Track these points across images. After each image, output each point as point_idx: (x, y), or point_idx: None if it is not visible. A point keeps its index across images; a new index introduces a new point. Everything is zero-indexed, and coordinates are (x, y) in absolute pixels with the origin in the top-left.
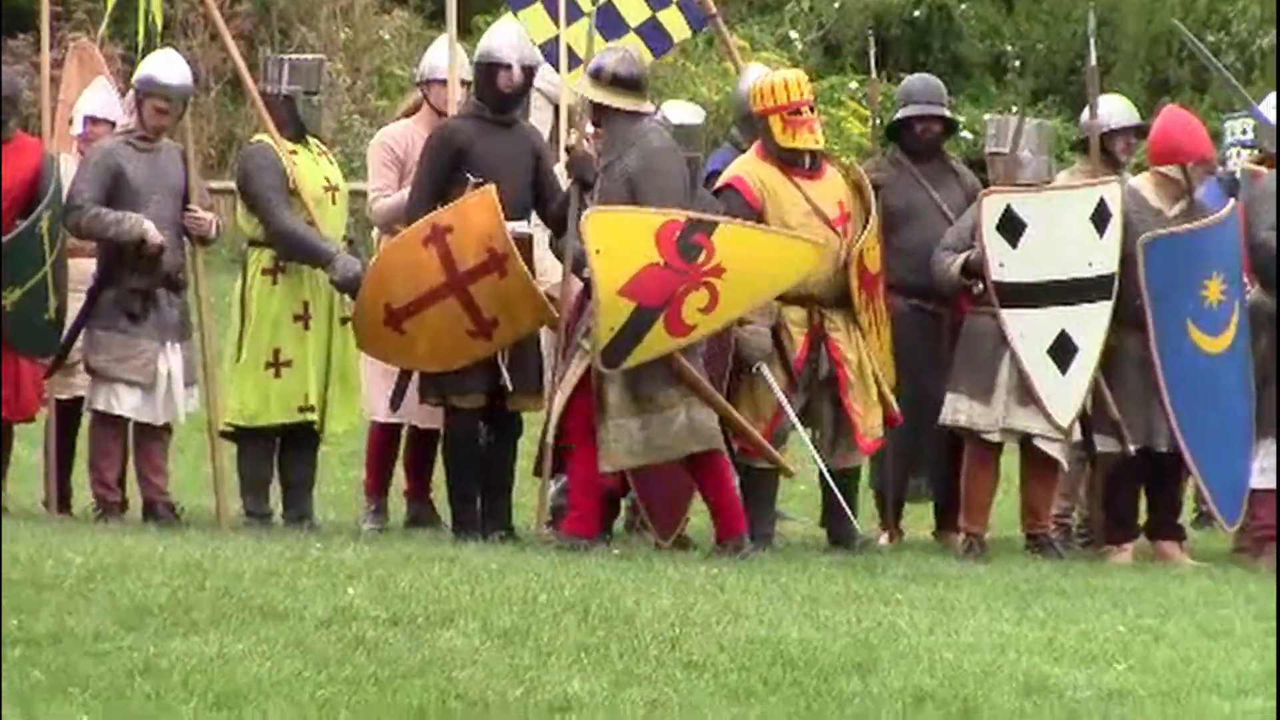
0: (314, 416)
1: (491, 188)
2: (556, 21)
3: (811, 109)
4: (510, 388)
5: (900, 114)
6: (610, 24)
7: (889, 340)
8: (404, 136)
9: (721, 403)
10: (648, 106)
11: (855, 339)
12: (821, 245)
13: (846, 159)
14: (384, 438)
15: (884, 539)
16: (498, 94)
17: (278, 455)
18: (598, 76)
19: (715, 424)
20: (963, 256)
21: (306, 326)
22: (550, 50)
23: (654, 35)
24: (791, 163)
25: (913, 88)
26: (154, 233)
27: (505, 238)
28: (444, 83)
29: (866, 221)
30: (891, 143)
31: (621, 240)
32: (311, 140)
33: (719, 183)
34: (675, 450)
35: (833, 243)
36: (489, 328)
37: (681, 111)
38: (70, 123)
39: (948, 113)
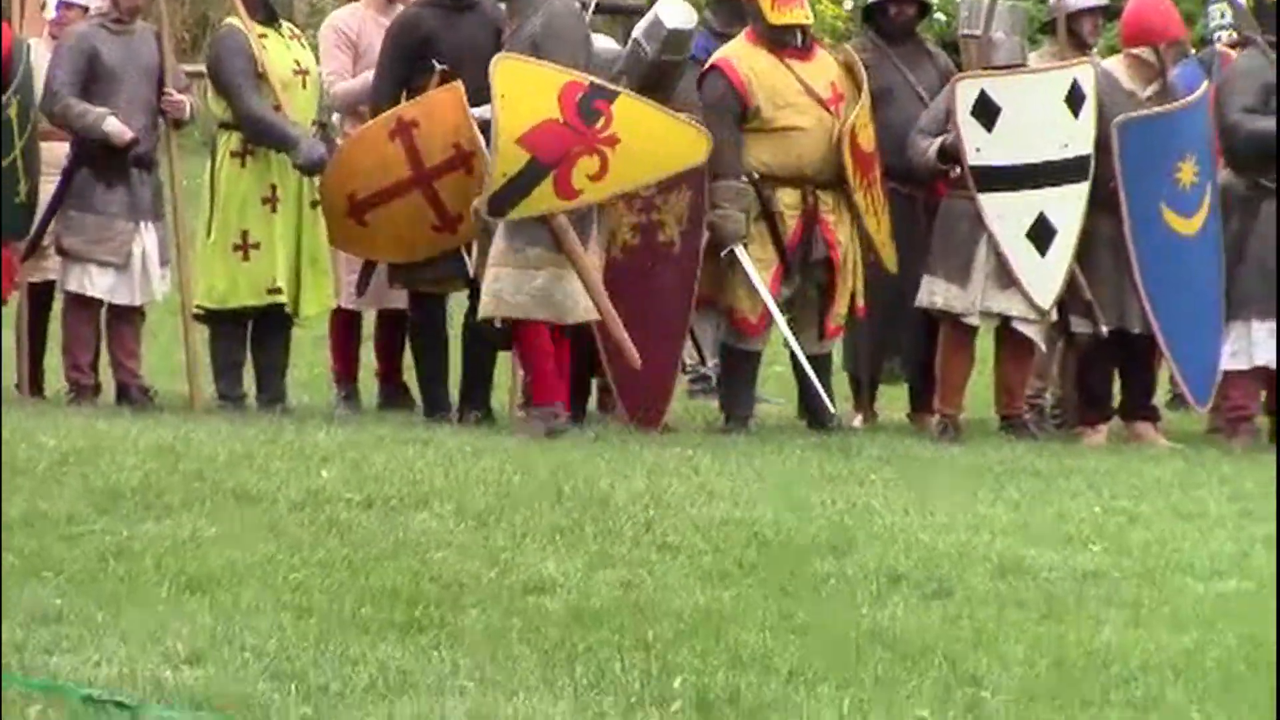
0: (283, 299)
1: (459, 84)
2: None
3: None
4: (472, 275)
5: None
6: None
7: (888, 223)
8: (354, 19)
9: (590, 275)
10: None
11: (847, 221)
12: (709, 137)
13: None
14: (347, 323)
15: (858, 421)
16: None
17: (250, 338)
18: None
19: (571, 301)
20: (938, 141)
21: (274, 209)
22: None
23: None
24: (782, 44)
25: None
26: (117, 129)
27: (473, 135)
28: None
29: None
30: (866, 26)
31: (527, 90)
32: (284, 24)
33: (705, 67)
34: (522, 310)
35: (825, 122)
36: (454, 223)
37: (675, 13)
38: (42, 7)
39: None
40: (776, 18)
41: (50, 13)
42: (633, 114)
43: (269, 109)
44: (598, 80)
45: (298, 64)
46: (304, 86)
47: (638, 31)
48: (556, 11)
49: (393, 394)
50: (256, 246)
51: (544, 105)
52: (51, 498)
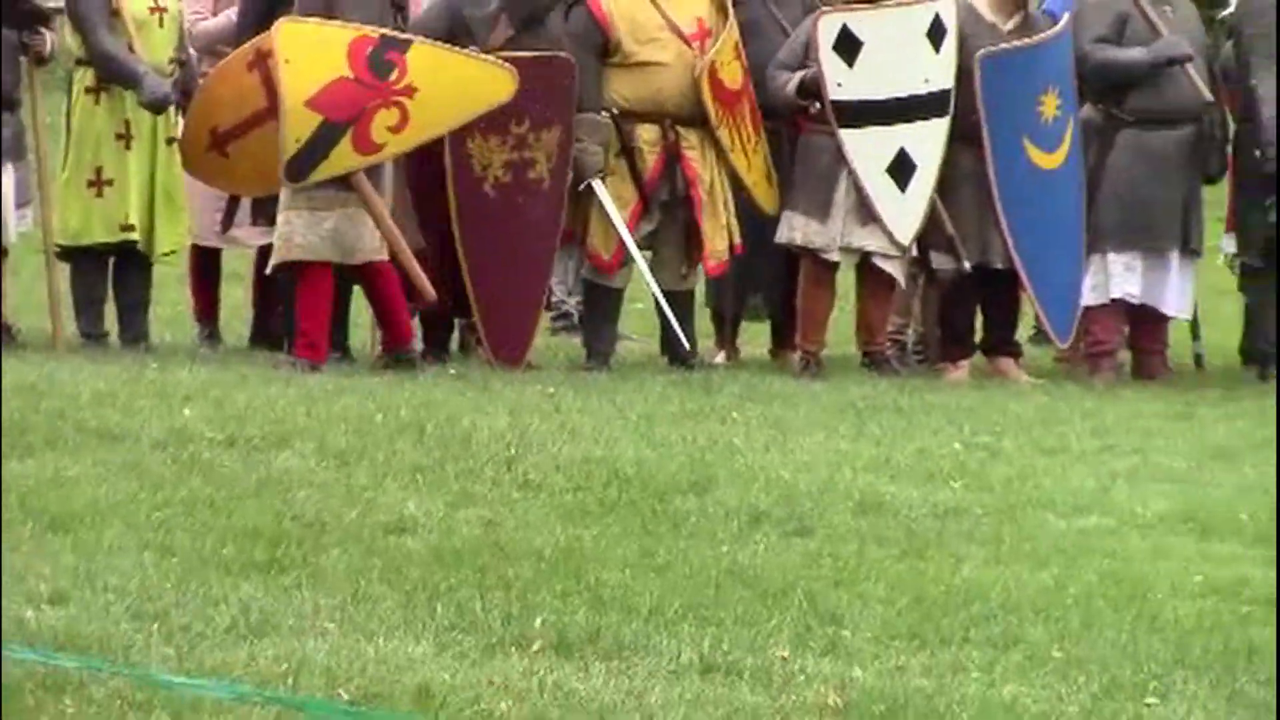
0: (136, 236)
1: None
2: None
3: None
4: None
5: None
6: None
7: (763, 161)
8: None
9: (386, 222)
10: None
11: (710, 158)
12: (513, 72)
13: None
14: (203, 261)
15: (720, 358)
16: None
17: (112, 276)
18: None
19: (360, 244)
20: (798, 76)
21: (128, 146)
22: None
23: None
24: None
25: None
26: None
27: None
28: None
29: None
30: None
31: (312, 52)
32: None
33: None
34: (312, 252)
35: (687, 57)
36: None
37: None
38: None
39: None
40: None
41: None
42: (429, 61)
43: (120, 46)
44: (388, 32)
45: (155, 2)
46: (160, 25)
47: None
48: None
49: (265, 331)
50: (110, 183)
51: (331, 64)
52: None
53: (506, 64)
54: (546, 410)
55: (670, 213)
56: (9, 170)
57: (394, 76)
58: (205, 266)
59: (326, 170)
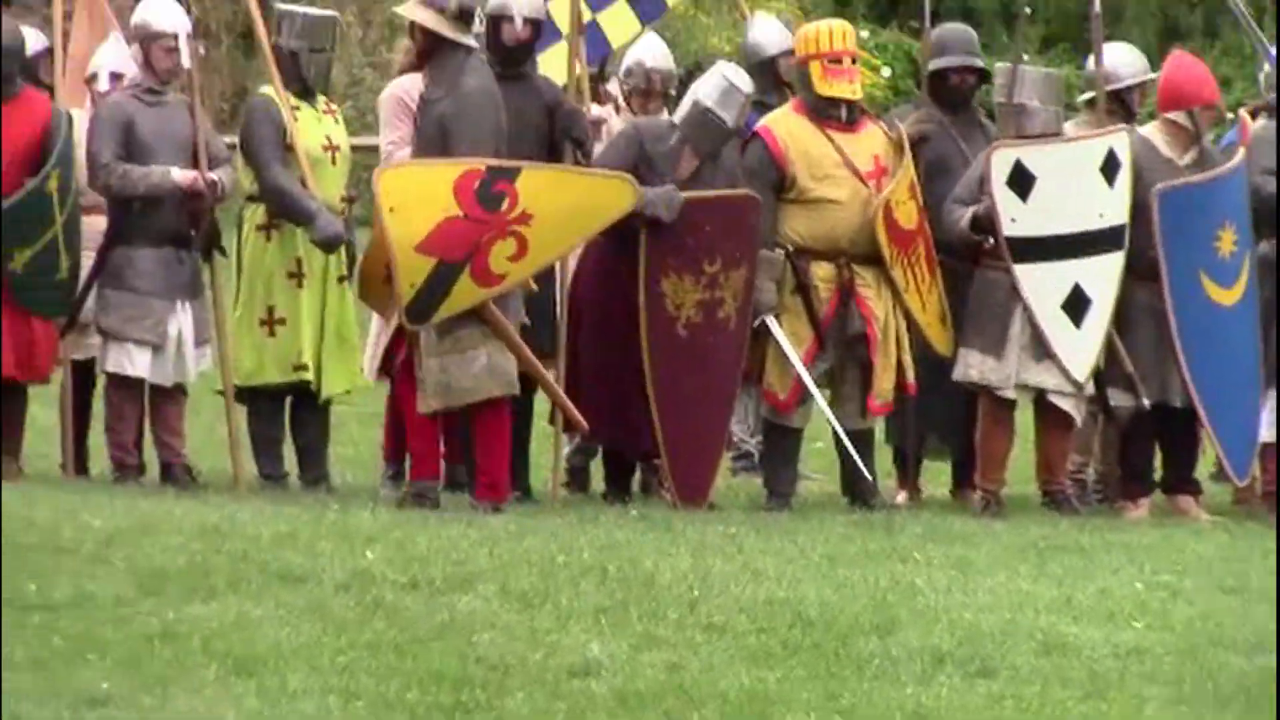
0: (308, 376)
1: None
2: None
3: (854, 60)
4: None
5: (935, 65)
6: None
7: (938, 301)
8: (415, 88)
9: (523, 350)
10: (474, 42)
11: (886, 297)
12: (634, 184)
13: None
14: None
15: (901, 497)
16: (501, 47)
17: (290, 416)
18: (442, 7)
19: (514, 369)
20: (971, 210)
21: (300, 284)
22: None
23: (645, 2)
24: (826, 115)
25: (947, 38)
26: (186, 176)
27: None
28: None
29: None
30: (926, 95)
31: (416, 195)
32: (319, 98)
33: (749, 133)
34: (476, 392)
35: (863, 196)
36: None
37: (743, 77)
38: (94, 79)
39: (982, 63)
40: (824, 89)
41: (103, 84)
42: (540, 185)
43: (291, 181)
44: (494, 163)
45: (329, 140)
46: (333, 163)
47: (706, 99)
48: (468, 92)
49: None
50: (282, 322)
51: (438, 205)
52: (98, 579)
53: (624, 175)
54: (729, 551)
55: (847, 351)
56: (188, 309)
57: (505, 207)
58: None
59: (450, 308)
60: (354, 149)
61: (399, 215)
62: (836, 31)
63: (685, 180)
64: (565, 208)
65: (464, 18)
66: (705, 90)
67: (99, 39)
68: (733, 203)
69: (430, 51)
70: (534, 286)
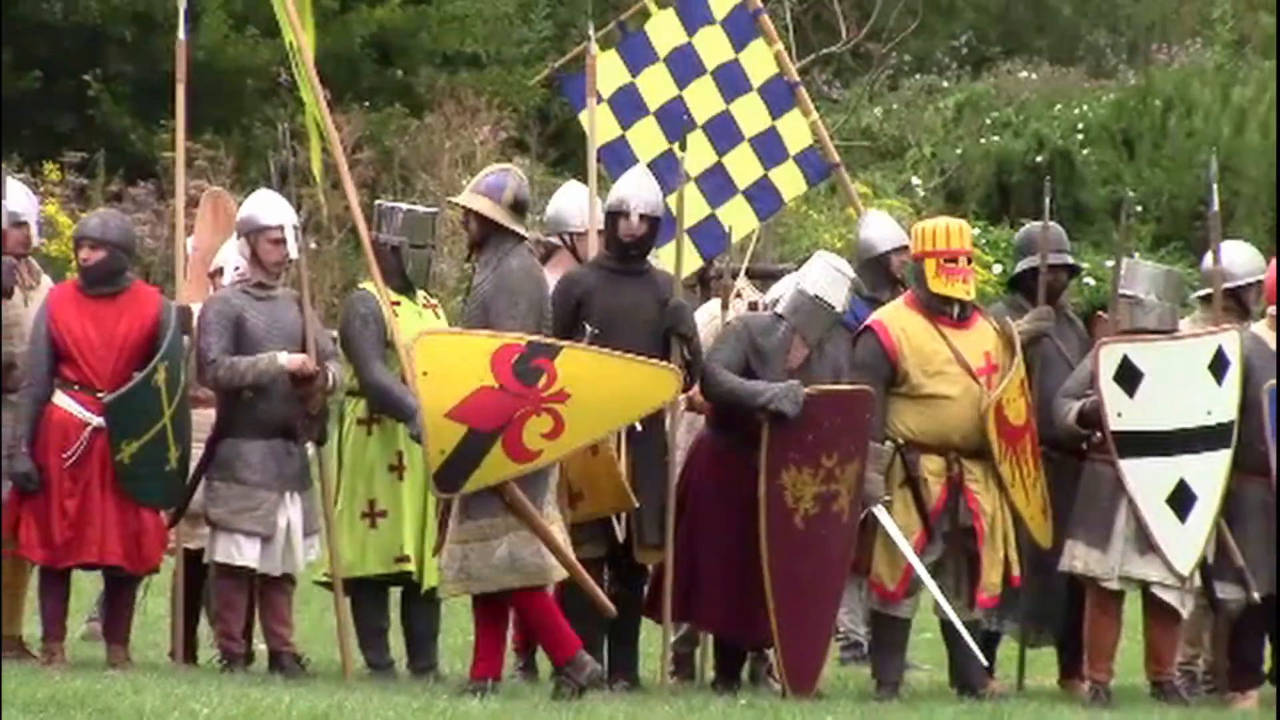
0: (410, 568)
1: None
2: (663, 186)
3: (969, 260)
4: (621, 539)
5: (1026, 263)
6: (717, 186)
7: (1040, 495)
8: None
9: (550, 536)
10: (524, 231)
11: (993, 490)
12: (679, 374)
13: None
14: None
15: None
16: (618, 242)
17: (401, 605)
18: (498, 198)
19: (541, 559)
20: (1078, 405)
21: (401, 477)
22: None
23: (763, 196)
24: (939, 311)
25: (1036, 236)
26: (295, 361)
27: None
28: (579, 233)
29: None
30: (1012, 292)
31: (452, 363)
32: (419, 293)
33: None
34: (493, 582)
35: (974, 392)
36: (574, 500)
37: (847, 266)
38: (219, 274)
39: (1072, 259)
40: (938, 286)
41: (228, 278)
42: (581, 367)
43: (390, 377)
44: (536, 339)
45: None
46: None
47: (813, 288)
48: (509, 270)
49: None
50: (384, 514)
51: (474, 375)
52: None
53: (670, 365)
54: None
55: (952, 543)
56: (296, 500)
57: (542, 383)
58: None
59: (480, 479)
60: None
61: (432, 381)
62: (953, 230)
63: (798, 367)
64: (605, 391)
65: (518, 208)
66: (812, 279)
67: (223, 234)
68: (850, 397)
69: (483, 241)
70: (634, 501)
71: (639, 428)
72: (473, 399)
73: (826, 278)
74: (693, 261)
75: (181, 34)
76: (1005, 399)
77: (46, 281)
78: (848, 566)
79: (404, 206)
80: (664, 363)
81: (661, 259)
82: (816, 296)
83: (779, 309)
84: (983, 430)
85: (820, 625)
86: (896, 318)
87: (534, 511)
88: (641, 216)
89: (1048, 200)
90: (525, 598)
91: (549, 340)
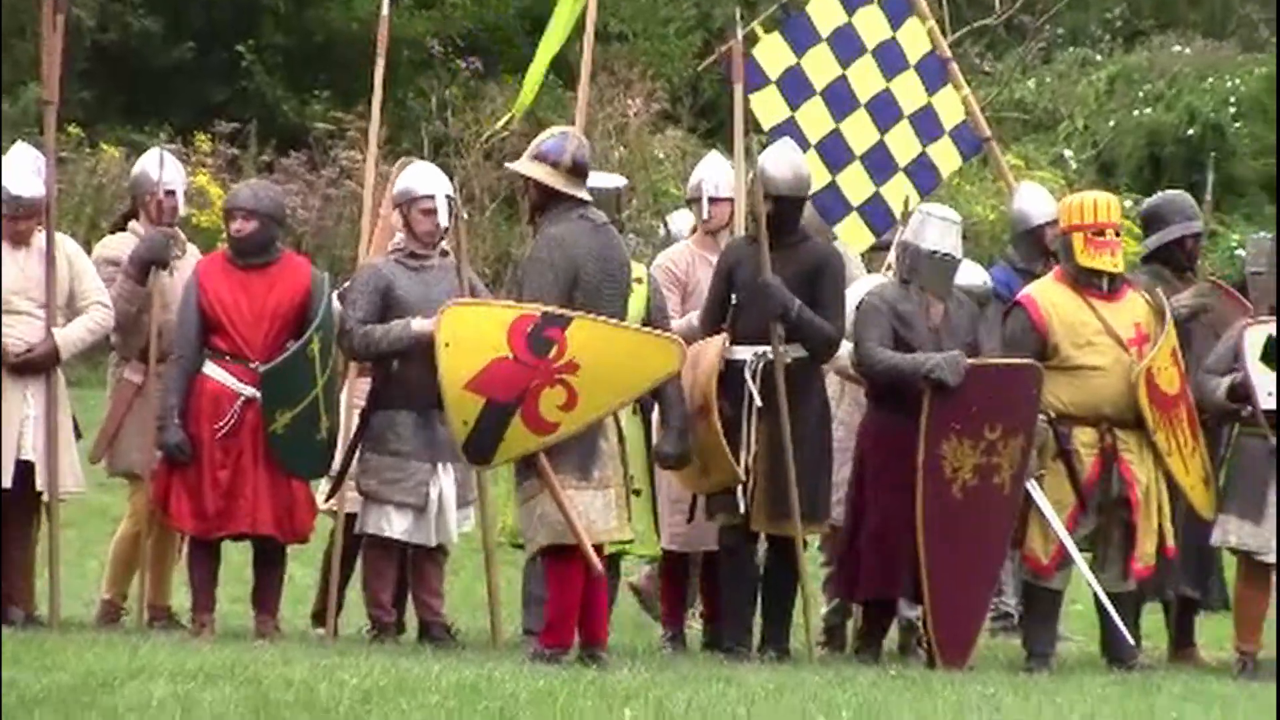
0: None
1: (721, 336)
2: (829, 168)
3: (1117, 233)
4: (742, 510)
5: (1169, 234)
6: (880, 164)
7: (1200, 464)
8: (683, 258)
9: (563, 502)
10: (585, 195)
11: (1148, 461)
12: (682, 346)
13: None
14: (675, 565)
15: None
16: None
17: None
18: (557, 164)
19: (596, 524)
20: (1226, 381)
21: None
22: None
23: (923, 172)
24: (1087, 284)
25: (1169, 206)
26: (423, 325)
27: (712, 393)
28: (717, 201)
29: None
30: (1150, 264)
31: (472, 333)
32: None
33: (1011, 302)
34: (534, 542)
35: (1125, 362)
36: (704, 469)
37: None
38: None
39: (1200, 227)
40: (1087, 260)
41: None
42: (589, 337)
43: None
44: (550, 310)
45: None
46: None
47: (928, 243)
48: (545, 237)
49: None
50: None
51: (491, 345)
52: None
53: (671, 336)
54: (987, 711)
55: (1108, 514)
56: (449, 470)
57: (553, 354)
58: (677, 570)
59: (507, 452)
60: None
61: (453, 351)
62: (1101, 204)
63: (937, 326)
64: (611, 363)
65: (577, 171)
66: (924, 236)
67: None
68: (1017, 371)
69: (542, 206)
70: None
71: (759, 400)
72: (489, 370)
73: (938, 230)
74: (865, 238)
75: (385, 8)
76: (1156, 367)
77: (193, 251)
78: (1008, 542)
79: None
80: (667, 334)
81: (840, 236)
82: (934, 252)
83: (902, 274)
84: (1134, 400)
85: (976, 598)
86: (1045, 292)
87: (549, 470)
88: (767, 195)
89: (1210, 176)
90: (556, 563)
91: (561, 311)
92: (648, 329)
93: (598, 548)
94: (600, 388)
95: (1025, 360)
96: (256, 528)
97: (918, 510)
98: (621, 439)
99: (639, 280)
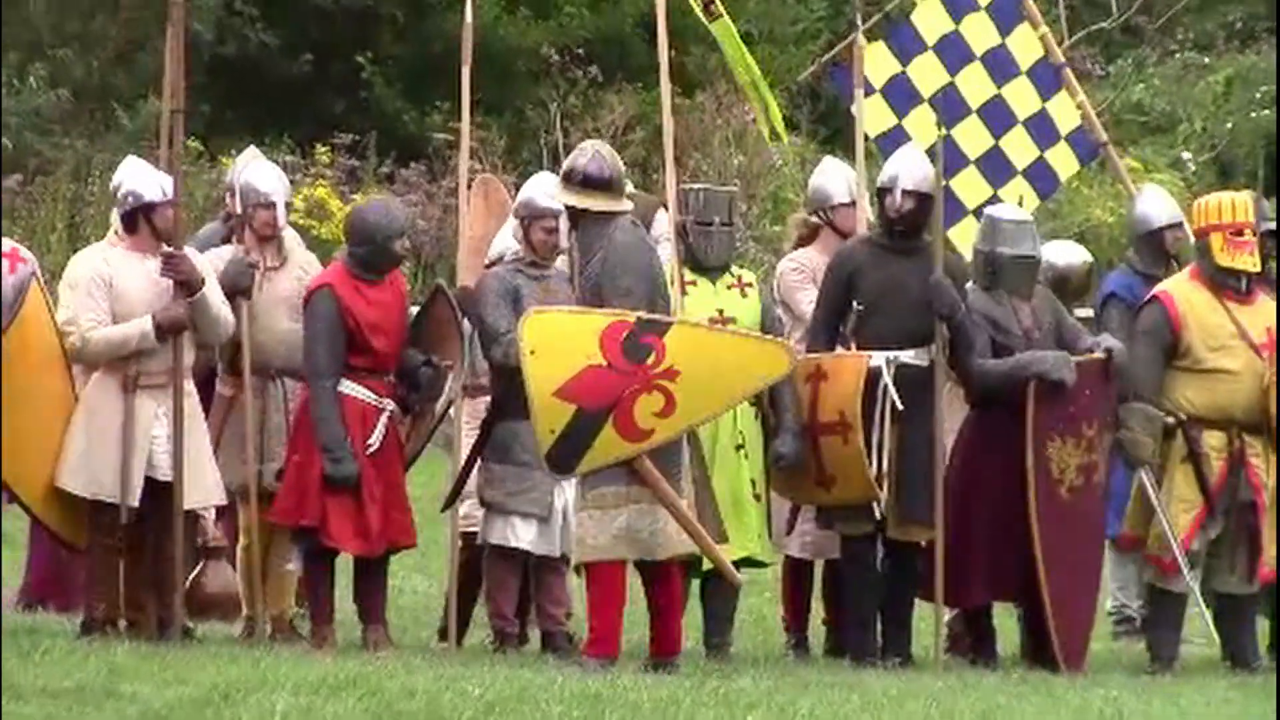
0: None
1: (865, 356)
2: (940, 173)
3: (1254, 232)
4: (879, 517)
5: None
6: (996, 168)
7: None
8: (810, 260)
9: (683, 513)
10: (622, 205)
11: (1273, 465)
12: (791, 349)
13: None
14: (796, 570)
15: None
16: (886, 218)
17: (700, 585)
18: (569, 179)
19: (662, 536)
20: None
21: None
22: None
23: (1041, 176)
24: (1224, 284)
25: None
26: None
27: (856, 410)
28: (838, 207)
29: None
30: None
31: (560, 340)
32: (728, 272)
33: (1148, 296)
34: (608, 553)
35: (1256, 367)
36: (829, 482)
37: (1064, 252)
38: (498, 263)
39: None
40: (1225, 260)
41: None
42: (690, 343)
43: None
44: (645, 316)
45: (719, 312)
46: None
47: (1003, 248)
48: (616, 245)
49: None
50: None
51: (582, 353)
52: None
53: (780, 340)
54: (1109, 714)
55: (1234, 518)
56: (572, 480)
57: (652, 360)
58: (798, 575)
59: (594, 459)
60: None
61: (540, 359)
62: (1239, 204)
63: (1028, 327)
64: (714, 368)
65: (591, 184)
66: (997, 241)
67: (496, 220)
68: (1097, 366)
69: (573, 223)
70: (880, 494)
71: (899, 404)
72: (581, 377)
73: (1014, 234)
74: None
75: (468, 16)
76: None
77: (299, 258)
78: (1104, 537)
79: (699, 187)
80: (775, 338)
81: (954, 239)
82: (1013, 256)
83: (983, 282)
84: (1264, 406)
85: (1089, 599)
86: (1182, 291)
87: (662, 481)
88: (906, 193)
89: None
90: (604, 573)
91: (657, 317)
92: (753, 332)
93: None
94: (701, 393)
95: (1098, 356)
96: (411, 540)
97: (1031, 513)
98: (741, 445)
99: (749, 285)
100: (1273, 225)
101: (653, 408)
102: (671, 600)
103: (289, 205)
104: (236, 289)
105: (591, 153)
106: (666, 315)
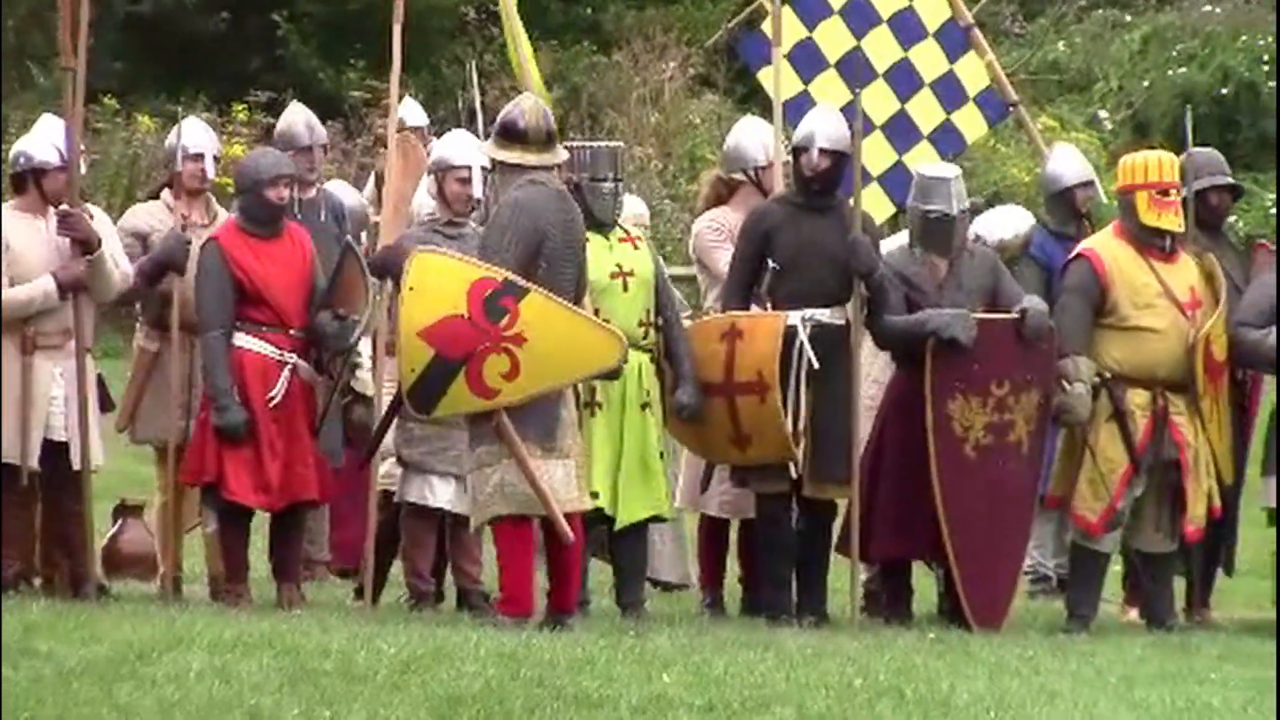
0: (601, 503)
1: (782, 315)
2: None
3: (1178, 191)
4: (795, 476)
5: (1197, 186)
6: (903, 133)
7: (1229, 434)
8: (727, 219)
9: (528, 467)
10: (530, 160)
11: (1196, 424)
12: (623, 342)
13: None
14: (712, 530)
15: (1133, 614)
16: (802, 178)
17: (609, 542)
18: (494, 131)
19: (528, 490)
20: (1272, 330)
21: (593, 414)
22: None
23: (946, 139)
24: (1148, 243)
25: (1199, 161)
26: None
27: (773, 369)
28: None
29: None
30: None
31: (436, 284)
32: (620, 227)
33: (1073, 253)
34: (487, 510)
35: (1180, 326)
36: (743, 442)
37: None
38: (413, 218)
39: (1232, 180)
40: (1150, 219)
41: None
42: (540, 313)
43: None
44: (512, 277)
45: (619, 267)
46: (625, 289)
47: (920, 203)
48: (507, 202)
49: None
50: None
51: (450, 300)
52: (392, 705)
53: (616, 330)
54: (1026, 673)
55: (1158, 476)
56: None
57: (505, 322)
58: (713, 535)
59: (447, 406)
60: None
61: (415, 297)
62: (1165, 162)
63: (941, 285)
64: (554, 343)
65: (510, 135)
66: (918, 197)
67: (413, 179)
68: (1009, 325)
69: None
70: (796, 454)
71: (815, 363)
72: (444, 324)
73: (932, 189)
74: (885, 209)
75: None
76: (1213, 334)
77: (222, 216)
78: (1032, 500)
79: (583, 144)
80: (611, 326)
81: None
82: (929, 212)
83: (911, 239)
84: (1189, 365)
85: (1006, 558)
86: (1108, 247)
87: (516, 439)
88: (823, 151)
89: (1188, 127)
90: (507, 530)
91: (521, 281)
92: (598, 319)
93: (567, 516)
94: (541, 365)
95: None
96: (314, 494)
97: (932, 470)
98: (646, 404)
99: (639, 239)
100: (1204, 184)
101: (500, 368)
102: (565, 555)
103: (217, 159)
104: (171, 264)
105: (516, 105)
106: (572, 279)
